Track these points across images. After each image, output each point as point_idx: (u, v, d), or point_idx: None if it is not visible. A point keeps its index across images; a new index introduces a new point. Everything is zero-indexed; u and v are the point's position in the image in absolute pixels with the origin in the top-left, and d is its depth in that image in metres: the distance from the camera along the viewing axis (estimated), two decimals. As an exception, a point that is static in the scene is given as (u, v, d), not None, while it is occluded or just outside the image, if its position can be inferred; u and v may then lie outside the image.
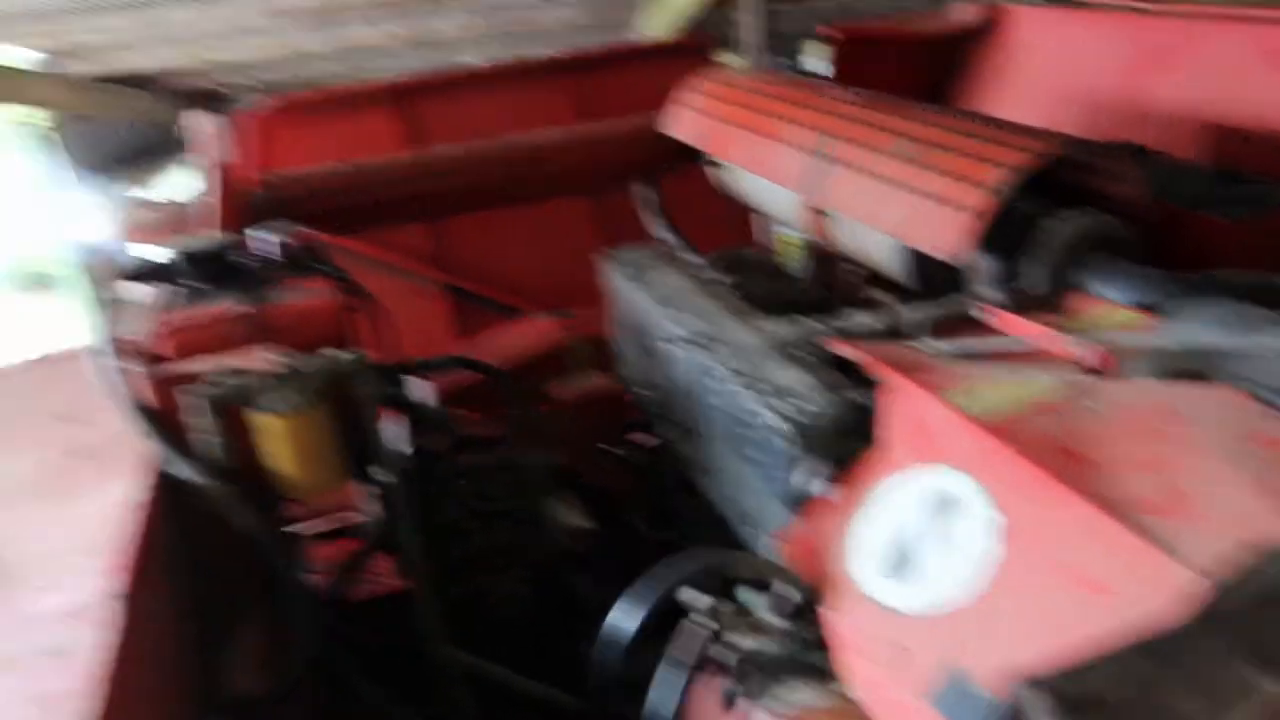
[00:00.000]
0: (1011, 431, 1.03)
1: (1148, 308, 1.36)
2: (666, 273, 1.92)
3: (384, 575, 2.02)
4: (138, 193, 8.88)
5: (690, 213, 2.45)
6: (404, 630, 1.79)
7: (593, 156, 2.71)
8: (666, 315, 1.70)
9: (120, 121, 8.96)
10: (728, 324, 1.61)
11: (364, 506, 1.93)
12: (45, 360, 2.04)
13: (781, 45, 3.73)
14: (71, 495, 1.45)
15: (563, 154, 2.70)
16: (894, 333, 1.46)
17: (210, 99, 10.64)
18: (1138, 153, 1.98)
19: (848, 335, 1.45)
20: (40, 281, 11.03)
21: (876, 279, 1.93)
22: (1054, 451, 0.99)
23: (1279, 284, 1.33)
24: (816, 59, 2.84)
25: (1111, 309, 1.41)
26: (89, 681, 1.08)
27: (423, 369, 2.05)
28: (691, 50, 3.74)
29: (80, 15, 7.29)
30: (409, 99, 3.36)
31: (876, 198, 1.65)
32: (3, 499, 1.47)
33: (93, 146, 8.50)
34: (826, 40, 2.74)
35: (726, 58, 4.60)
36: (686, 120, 2.38)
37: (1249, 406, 1.03)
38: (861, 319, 1.50)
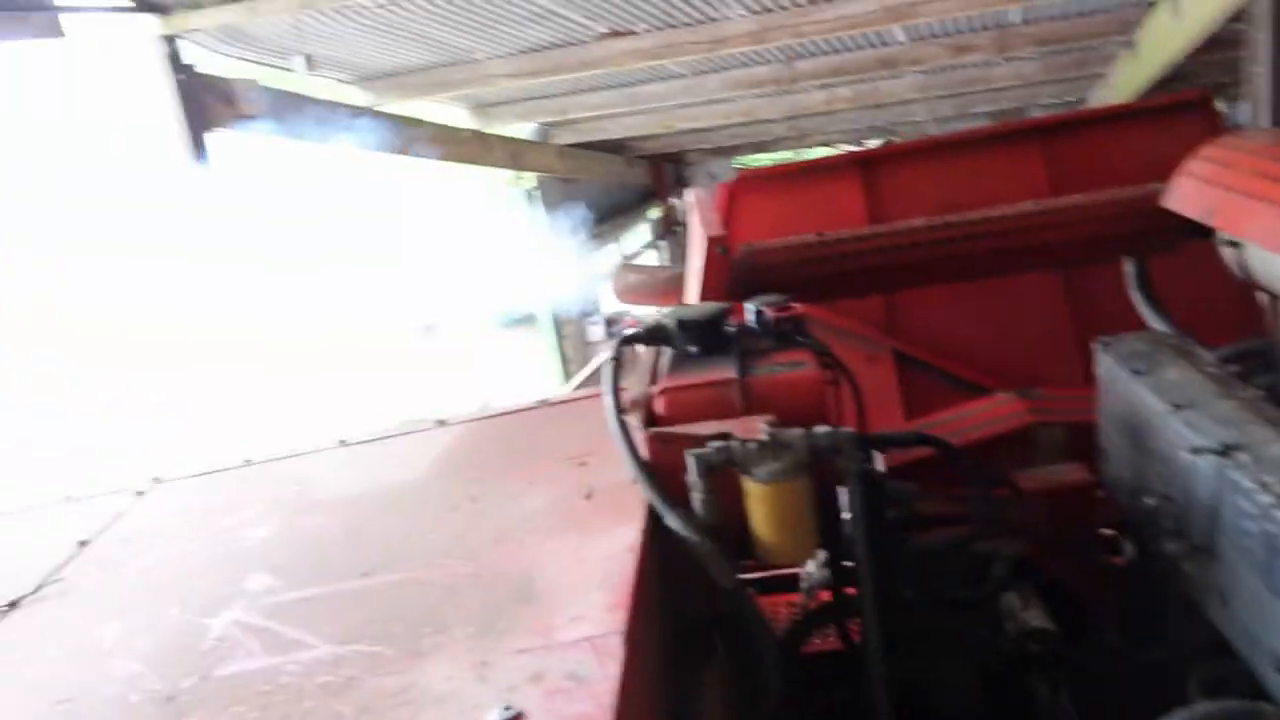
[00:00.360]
0: None
1: None
2: (1176, 369, 1.72)
3: (824, 635, 2.03)
4: (618, 252, 9.99)
5: (1175, 293, 2.20)
6: (847, 692, 1.79)
7: (1073, 231, 2.53)
8: (1181, 419, 1.52)
9: (596, 183, 10.13)
10: (1264, 435, 1.40)
11: (818, 569, 1.96)
12: (552, 403, 2.33)
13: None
14: (586, 534, 1.63)
15: (1038, 228, 2.55)
16: None
17: (669, 162, 11.69)
18: None
19: None
20: (523, 322, 12.76)
21: None
22: None
23: None
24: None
25: None
26: (601, 710, 1.19)
27: (885, 443, 2.04)
28: (1188, 109, 3.37)
29: (572, 95, 8.42)
30: (871, 168, 3.40)
31: None
32: (530, 532, 1.68)
33: (572, 205, 9.69)
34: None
35: (1234, 115, 4.09)
36: (1194, 191, 2.15)
37: None
38: None
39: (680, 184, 11.57)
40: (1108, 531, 2.16)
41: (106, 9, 5.61)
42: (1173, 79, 6.42)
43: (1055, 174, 3.19)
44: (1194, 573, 1.50)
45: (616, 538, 1.59)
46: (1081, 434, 2.16)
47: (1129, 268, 2.27)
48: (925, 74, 7.99)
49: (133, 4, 5.63)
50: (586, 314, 9.73)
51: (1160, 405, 1.58)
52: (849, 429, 1.62)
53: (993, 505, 2.13)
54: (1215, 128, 3.15)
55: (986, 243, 2.51)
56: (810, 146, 11.97)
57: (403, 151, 8.11)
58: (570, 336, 9.65)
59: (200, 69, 6.05)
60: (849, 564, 1.78)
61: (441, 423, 2.34)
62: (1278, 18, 3.51)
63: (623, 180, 10.73)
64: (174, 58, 5.78)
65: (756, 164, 14.43)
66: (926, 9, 5.73)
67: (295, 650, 1.51)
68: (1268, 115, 3.57)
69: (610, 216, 10.27)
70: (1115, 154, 2.88)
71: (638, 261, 10.32)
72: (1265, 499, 1.24)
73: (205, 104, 5.92)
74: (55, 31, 5.21)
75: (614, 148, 10.58)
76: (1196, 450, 1.42)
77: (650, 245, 11.07)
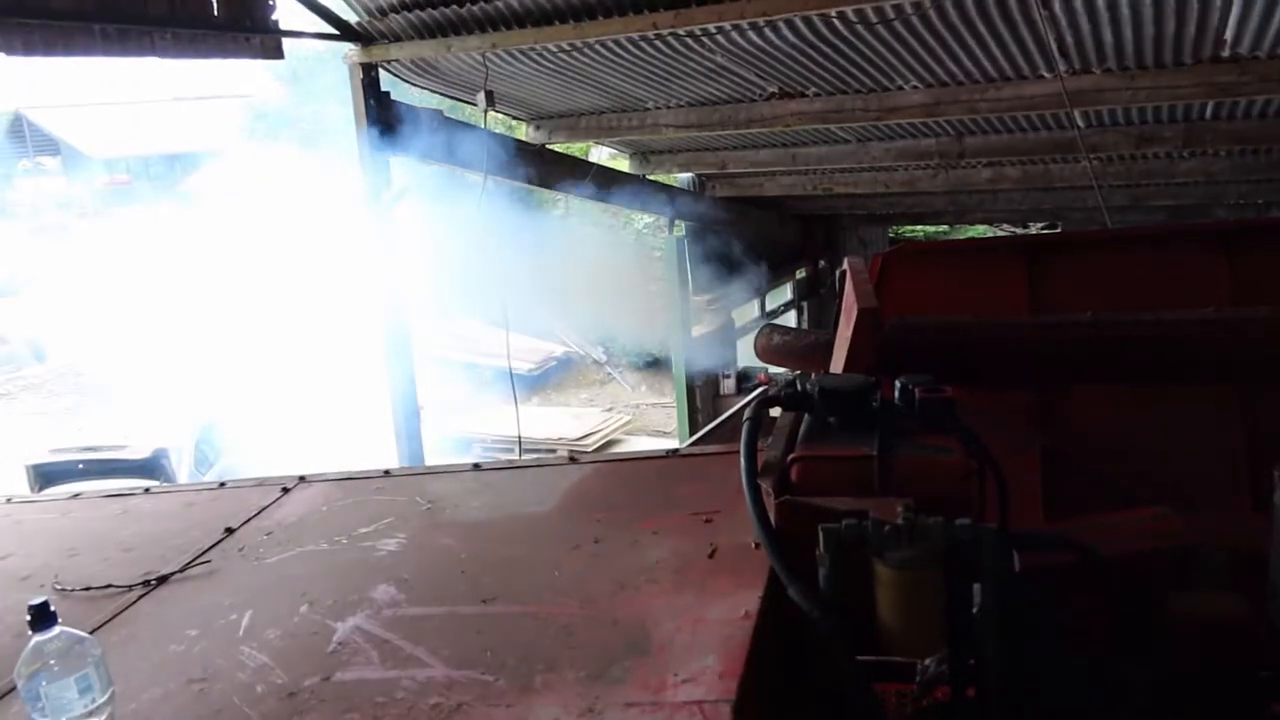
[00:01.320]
0: None
1: None
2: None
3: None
4: (760, 308, 9.98)
5: None
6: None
7: (1253, 345, 2.38)
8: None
9: (746, 238, 10.17)
10: None
11: (937, 664, 1.87)
12: (683, 454, 2.33)
13: None
14: (705, 593, 1.61)
15: (1215, 338, 2.41)
16: None
17: (822, 223, 11.63)
18: None
19: None
20: (653, 364, 12.89)
21: None
22: None
23: None
24: None
25: None
26: (702, 777, 1.17)
27: (1028, 544, 1.94)
28: None
29: (734, 150, 8.50)
30: (1037, 254, 3.28)
31: None
32: (650, 582, 1.68)
33: (718, 257, 9.74)
34: None
35: None
36: None
37: None
38: None
39: (830, 247, 11.47)
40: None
41: (319, 35, 6.07)
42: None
43: (1239, 282, 3.00)
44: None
45: (736, 601, 1.57)
46: (1246, 564, 2.00)
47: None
48: (1101, 161, 7.71)
49: (339, 32, 6.06)
50: (721, 367, 9.72)
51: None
52: (992, 525, 1.55)
53: (1141, 626, 2.00)
54: None
55: (1154, 347, 2.39)
56: (970, 224, 11.69)
57: (565, 189, 8.39)
58: (702, 387, 9.65)
59: (394, 96, 6.45)
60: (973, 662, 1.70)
61: (574, 459, 2.38)
62: None
63: (773, 238, 10.73)
64: (372, 84, 6.18)
65: (911, 234, 14.18)
66: (1111, 96, 5.55)
67: (412, 666, 1.55)
68: None
69: (757, 272, 10.27)
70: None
71: (780, 321, 10.27)
72: None
73: (393, 128, 6.29)
74: (277, 53, 5.69)
75: (768, 205, 10.61)
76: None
77: (792, 305, 11.01)
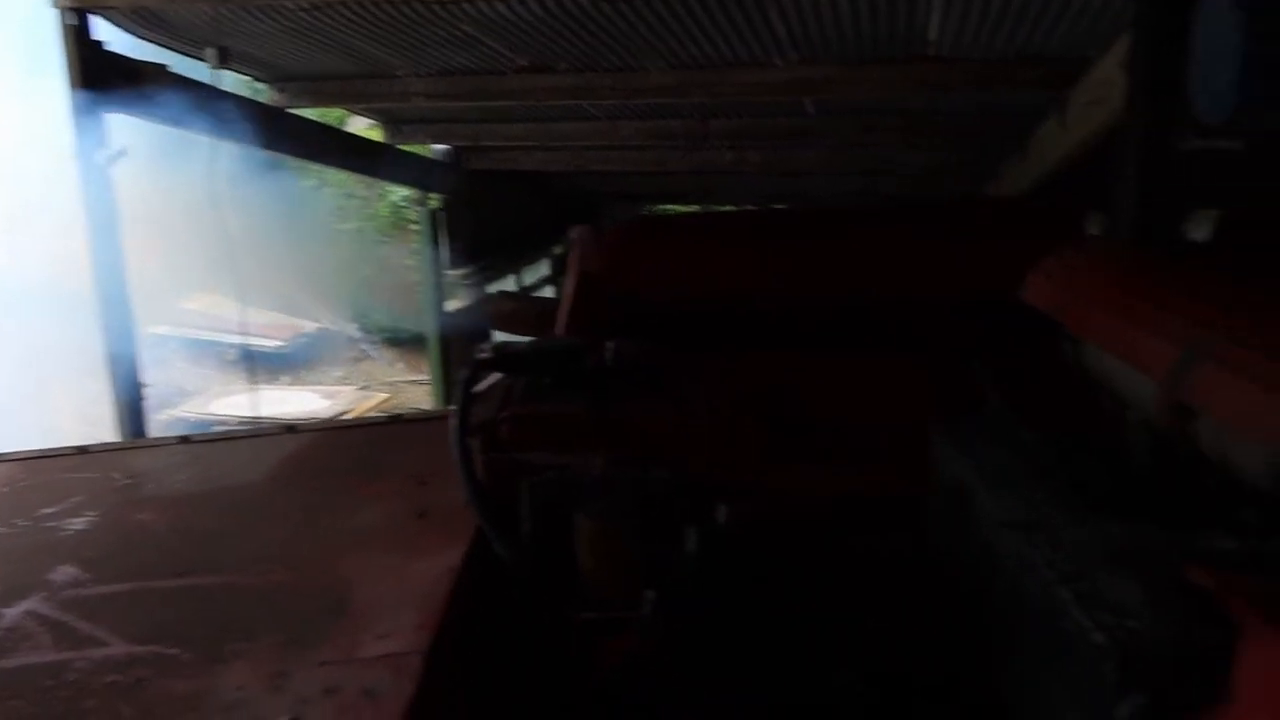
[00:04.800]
0: None
1: None
2: (998, 449, 1.82)
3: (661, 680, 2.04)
4: (504, 282, 9.96)
5: (1047, 391, 2.31)
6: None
7: (938, 313, 2.65)
8: (992, 496, 1.61)
9: (501, 213, 10.12)
10: (1060, 517, 1.49)
11: (645, 610, 1.97)
12: (404, 420, 2.31)
13: (1162, 214, 3.48)
14: (414, 552, 1.61)
15: (908, 306, 2.67)
16: (1260, 564, 1.28)
17: (579, 201, 11.78)
18: None
19: (1206, 557, 1.29)
20: (411, 340, 12.58)
21: (1244, 493, 1.71)
22: None
23: None
24: (1202, 233, 2.63)
25: None
26: (388, 723, 1.18)
27: (728, 496, 2.08)
28: (1062, 213, 3.57)
29: (487, 123, 8.43)
30: (765, 230, 3.47)
31: (1260, 404, 1.48)
32: (357, 546, 1.66)
33: (475, 232, 9.64)
34: (1218, 213, 2.52)
35: (1097, 225, 4.36)
36: (1045, 288, 2.27)
37: None
38: (1222, 540, 1.33)
39: (587, 224, 11.64)
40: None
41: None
42: (1056, 185, 6.78)
43: (937, 258, 3.31)
44: (988, 643, 1.57)
45: (441, 559, 1.58)
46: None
47: (984, 357, 2.37)
48: (833, 150, 8.28)
49: (38, -30, 5.44)
50: (476, 340, 9.64)
51: (975, 481, 1.67)
52: (690, 475, 1.65)
53: (832, 569, 2.19)
54: (1079, 233, 3.35)
55: (856, 317, 2.61)
56: (719, 205, 12.25)
57: (312, 158, 7.97)
58: (457, 360, 9.52)
59: (109, 48, 5.86)
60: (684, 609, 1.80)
61: (290, 429, 2.29)
62: (1143, 143, 3.78)
63: (529, 214, 10.75)
64: (82, 32, 5.59)
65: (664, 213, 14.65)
66: (839, 87, 5.96)
67: (88, 647, 1.44)
68: (1127, 228, 3.81)
69: (514, 247, 10.25)
70: (993, 247, 3.01)
71: (539, 295, 10.31)
72: (1052, 575, 1.31)
73: (108, 82, 5.72)
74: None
75: (526, 180, 10.61)
76: (999, 525, 1.50)
77: (551, 280, 11.11)
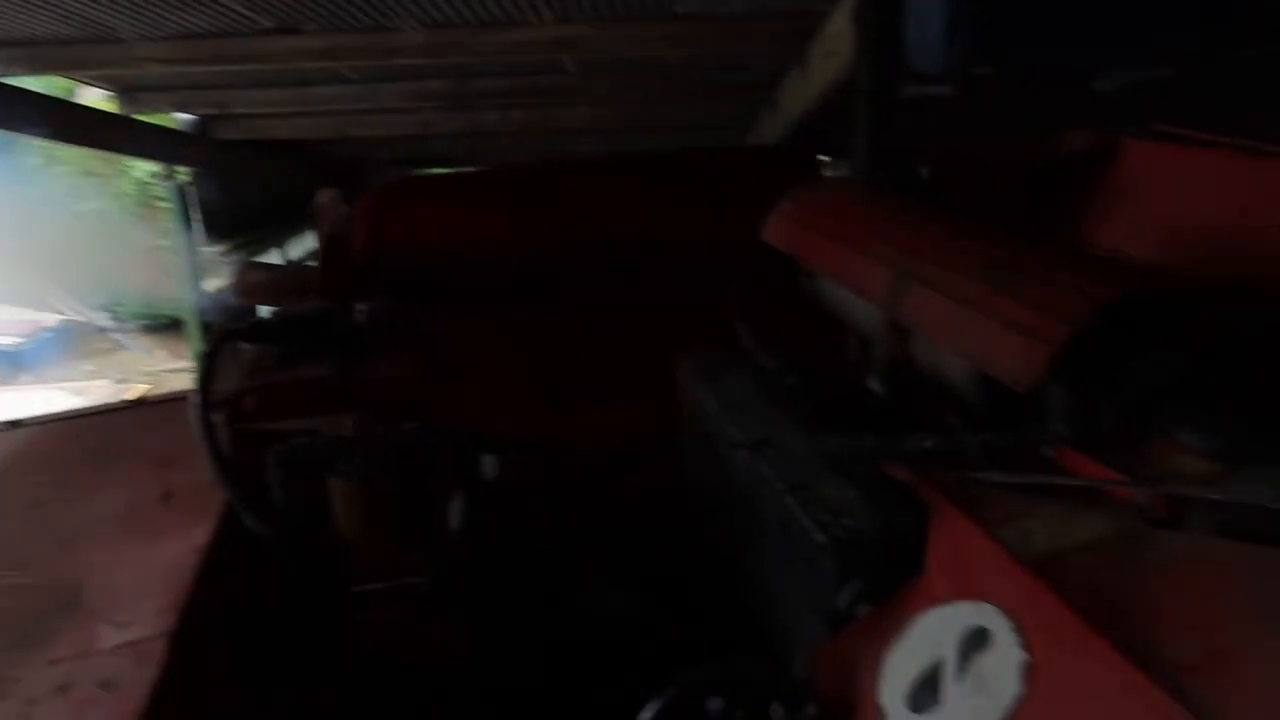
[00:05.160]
0: (1053, 573, 1.01)
1: (1228, 459, 1.31)
2: (737, 376, 1.94)
3: (439, 642, 2.05)
4: (269, 256, 9.43)
5: (790, 322, 2.46)
6: (447, 699, 1.81)
7: (693, 256, 2.76)
8: (729, 418, 1.72)
9: (259, 184, 9.56)
10: (788, 433, 1.62)
11: (423, 574, 1.97)
12: (148, 403, 2.17)
13: (891, 157, 3.77)
14: (157, 536, 1.54)
15: (663, 250, 2.76)
16: (956, 459, 1.44)
17: (346, 169, 11.30)
18: (1241, 296, 1.92)
19: (908, 457, 1.44)
20: (171, 325, 11.71)
21: (952, 401, 1.91)
22: (1094, 598, 0.96)
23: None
24: (920, 176, 2.86)
25: (1188, 457, 1.36)
26: (128, 717, 1.13)
27: (491, 448, 2.11)
28: (800, 158, 3.79)
29: (234, 89, 7.91)
30: (522, 185, 3.48)
31: (955, 319, 1.65)
32: (94, 536, 1.56)
33: (228, 206, 9.07)
34: (932, 159, 2.77)
35: (832, 168, 4.66)
36: (783, 228, 2.42)
37: (1308, 576, 0.98)
38: (926, 442, 1.48)
39: (357, 193, 11.19)
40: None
41: None
42: (807, 132, 7.16)
43: (688, 205, 3.44)
44: (733, 554, 1.69)
45: (187, 539, 1.52)
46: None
47: (733, 292, 2.50)
48: (595, 107, 8.35)
49: None
50: (243, 322, 9.10)
51: (715, 406, 1.77)
52: (443, 428, 1.65)
53: (600, 507, 2.26)
54: (814, 176, 3.58)
55: (609, 261, 2.68)
56: (490, 166, 12.08)
57: (32, 132, 7.21)
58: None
59: None
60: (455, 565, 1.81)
61: (14, 424, 2.10)
62: (871, 92, 4.06)
63: (292, 184, 10.21)
64: None
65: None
66: (593, 44, 6.02)
67: None
68: (862, 172, 4.10)
69: (277, 220, 9.72)
70: (738, 191, 3.16)
71: (295, 265, 9.81)
72: (780, 486, 1.43)
73: None
74: None
75: (285, 149, 10.06)
76: (735, 445, 1.61)
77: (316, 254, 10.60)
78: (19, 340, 12.56)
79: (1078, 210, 2.76)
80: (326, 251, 2.21)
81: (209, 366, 1.75)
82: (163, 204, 9.47)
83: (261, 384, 1.73)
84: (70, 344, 12.99)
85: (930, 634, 1.12)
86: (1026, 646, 0.99)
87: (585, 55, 6.41)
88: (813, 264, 2.28)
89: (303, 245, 10.21)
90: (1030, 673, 0.97)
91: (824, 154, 4.19)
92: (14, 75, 6.81)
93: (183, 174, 8.69)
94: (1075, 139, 2.82)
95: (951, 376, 1.81)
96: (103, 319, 13.23)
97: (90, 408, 2.15)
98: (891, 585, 1.23)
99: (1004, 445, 1.44)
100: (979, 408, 1.71)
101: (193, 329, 8.23)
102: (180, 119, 8.82)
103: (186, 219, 8.44)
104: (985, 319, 1.57)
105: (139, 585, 1.40)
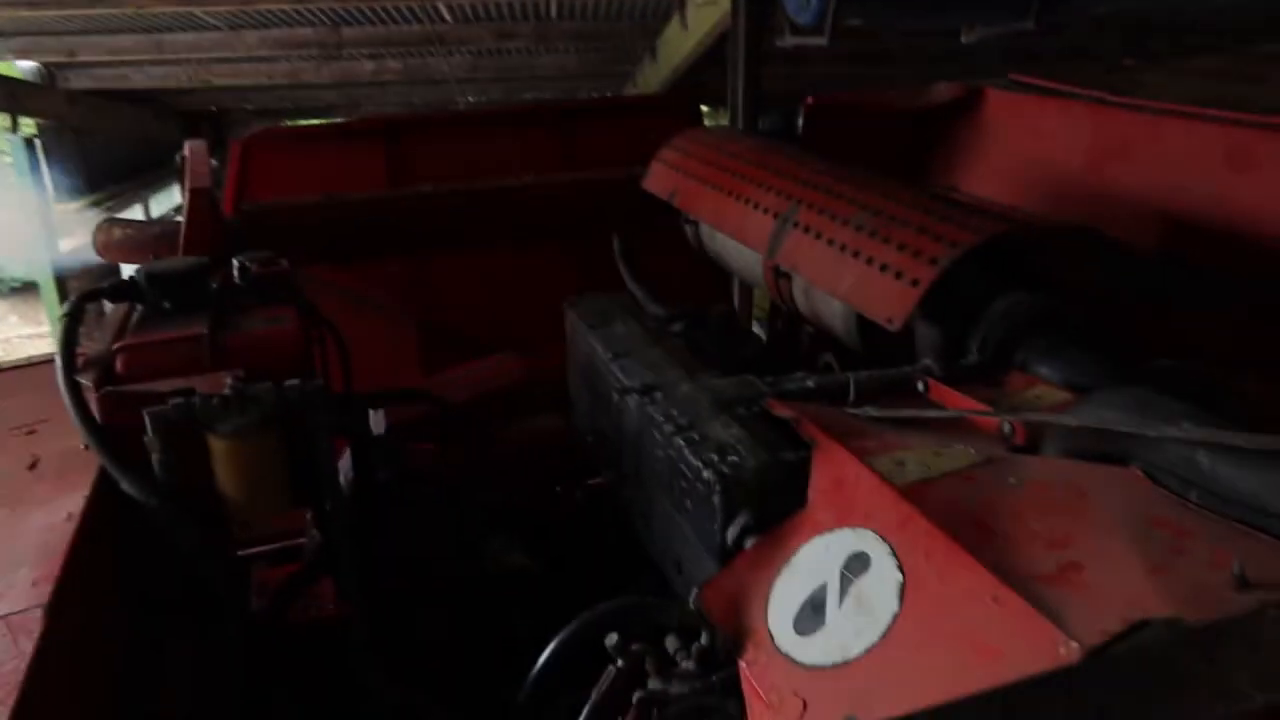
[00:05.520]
0: (924, 498, 1.07)
1: (1080, 389, 1.41)
2: (625, 323, 1.96)
3: (327, 601, 2.03)
4: (132, 212, 8.92)
5: (674, 268, 2.49)
6: (340, 657, 1.80)
7: (572, 204, 2.76)
8: (618, 365, 1.74)
9: (117, 137, 9.02)
10: (675, 378, 1.65)
11: (310, 532, 1.95)
12: (5, 370, 2.05)
13: (768, 106, 3.84)
14: (25, 506, 1.47)
15: (543, 199, 2.75)
16: (834, 396, 1.50)
17: (208, 120, 10.75)
18: (1091, 238, 2.04)
19: (789, 396, 1.49)
20: (23, 288, 10.99)
21: (830, 342, 1.98)
22: (961, 519, 1.03)
23: (1201, 375, 1.38)
24: (796, 124, 2.93)
25: (1044, 388, 1.46)
26: (5, 691, 1.09)
27: (376, 401, 2.08)
28: (680, 107, 3.82)
29: (84, 35, 7.41)
30: (397, 136, 3.40)
31: (831, 263, 1.71)
32: (-47, 508, 1.48)
33: (83, 160, 8.54)
34: (806, 106, 2.83)
35: (711, 116, 4.71)
36: (663, 176, 2.44)
37: (1148, 489, 1.07)
38: (805, 381, 1.54)
39: (222, 145, 10.67)
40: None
41: None
42: (687, 82, 7.17)
43: (567, 155, 3.44)
44: (626, 496, 1.73)
45: (58, 507, 1.45)
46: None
47: (616, 240, 2.51)
48: (474, 56, 8.16)
49: None
50: (106, 281, 8.60)
51: (604, 353, 1.79)
52: (321, 383, 1.62)
53: (484, 456, 2.26)
54: (696, 124, 3.61)
55: (491, 212, 2.65)
56: (365, 117, 11.70)
57: None
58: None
59: None
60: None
61: None
62: (748, 42, 4.10)
63: (152, 136, 9.66)
64: None
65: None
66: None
67: None
68: (741, 120, 4.15)
69: (136, 175, 9.19)
70: (620, 141, 3.16)
71: (158, 219, 9.34)
72: (669, 429, 1.46)
73: None
74: None
75: (142, 99, 9.49)
76: (625, 390, 1.64)
77: (182, 208, 10.07)
78: None
79: (943, 156, 2.88)
80: (194, 205, 2.12)
81: (72, 328, 1.67)
82: (8, 159, 8.83)
83: (131, 344, 1.65)
84: (-94, 313, 12.05)
85: (814, 561, 1.18)
86: (902, 567, 1.05)
87: (461, 2, 6.26)
88: (694, 211, 2.32)
89: (168, 200, 9.70)
90: (906, 591, 1.03)
91: (703, 103, 4.23)
92: None
93: (30, 126, 8.11)
94: (941, 89, 2.93)
95: (828, 318, 1.88)
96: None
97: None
98: (776, 518, 1.28)
99: (878, 382, 1.51)
100: (855, 347, 1.78)
101: (48, 291, 7.72)
102: (23, 67, 8.22)
103: (36, 173, 7.88)
104: (859, 263, 1.63)
105: (10, 557, 1.33)
